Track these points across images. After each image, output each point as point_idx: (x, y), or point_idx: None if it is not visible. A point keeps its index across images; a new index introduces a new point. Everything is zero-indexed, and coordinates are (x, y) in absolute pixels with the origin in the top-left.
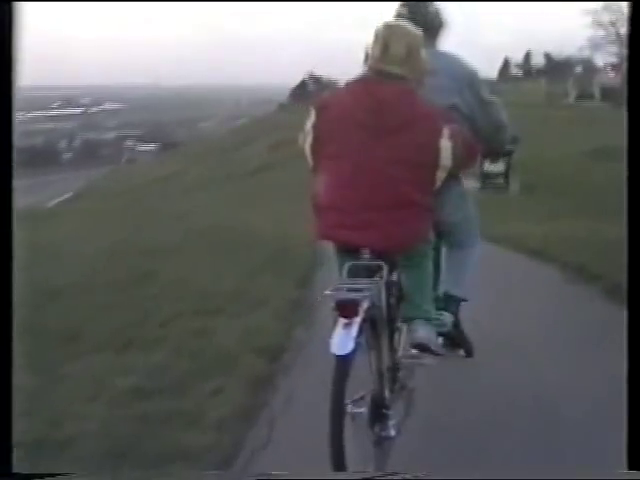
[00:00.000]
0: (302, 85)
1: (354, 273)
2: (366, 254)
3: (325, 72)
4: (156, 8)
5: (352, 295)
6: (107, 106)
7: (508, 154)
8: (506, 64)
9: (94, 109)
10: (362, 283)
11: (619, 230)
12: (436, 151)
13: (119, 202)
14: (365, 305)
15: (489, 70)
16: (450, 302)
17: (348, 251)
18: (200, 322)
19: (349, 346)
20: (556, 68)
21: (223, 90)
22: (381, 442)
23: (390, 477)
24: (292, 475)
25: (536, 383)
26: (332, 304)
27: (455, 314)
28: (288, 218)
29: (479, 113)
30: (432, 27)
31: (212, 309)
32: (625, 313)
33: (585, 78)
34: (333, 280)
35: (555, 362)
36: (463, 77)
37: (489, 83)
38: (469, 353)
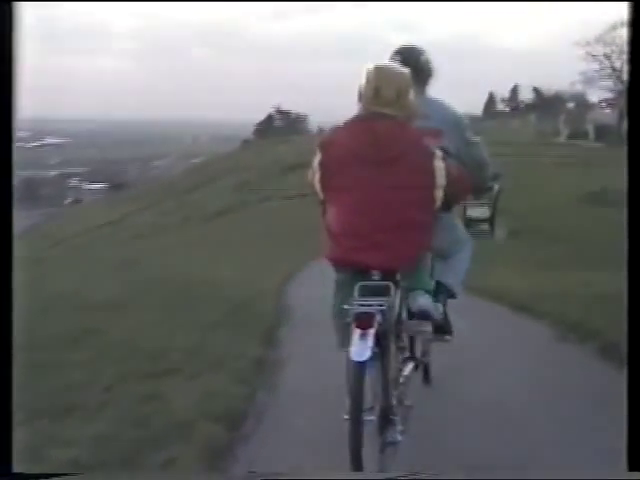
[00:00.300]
0: (268, 120)
1: (365, 292)
2: (376, 275)
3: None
4: (107, 33)
5: (368, 309)
6: (48, 140)
7: (492, 199)
8: (491, 99)
9: (33, 144)
10: (375, 299)
11: (616, 282)
12: (432, 172)
13: (60, 249)
14: (379, 318)
15: (473, 104)
16: (440, 291)
17: (360, 272)
18: (150, 385)
19: (366, 354)
20: (546, 104)
21: (180, 125)
22: (388, 446)
23: (403, 477)
24: (294, 475)
25: (520, 455)
26: (349, 318)
27: (444, 304)
28: (251, 267)
29: (464, 152)
30: (422, 75)
31: (163, 370)
32: (625, 374)
33: (578, 115)
34: (299, 337)
35: (544, 431)
36: (450, 121)
37: (474, 119)
38: (450, 332)
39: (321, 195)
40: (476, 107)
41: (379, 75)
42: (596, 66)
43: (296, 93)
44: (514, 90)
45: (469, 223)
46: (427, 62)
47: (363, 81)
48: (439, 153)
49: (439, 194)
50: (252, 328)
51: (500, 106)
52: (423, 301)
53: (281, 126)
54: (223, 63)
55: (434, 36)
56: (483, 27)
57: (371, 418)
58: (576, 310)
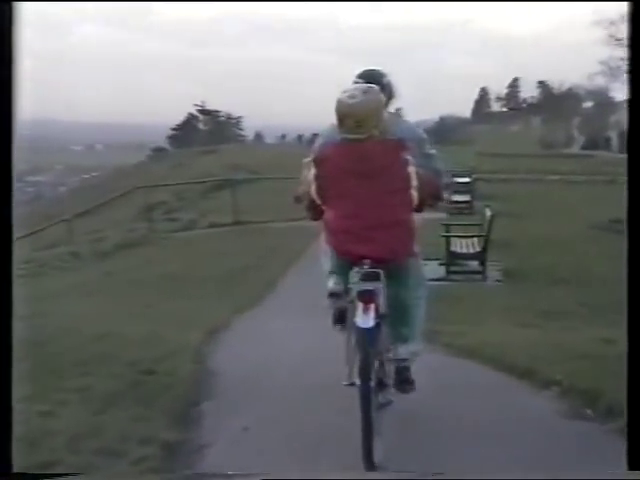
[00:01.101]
0: (188, 123)
1: (361, 277)
2: (367, 264)
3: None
4: None
5: (369, 287)
6: None
7: (484, 229)
8: (483, 97)
9: None
10: (373, 281)
11: None
12: (407, 176)
13: None
14: (378, 294)
15: (460, 103)
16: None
17: (352, 263)
18: None
19: (370, 322)
20: (555, 103)
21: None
22: (383, 407)
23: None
24: (295, 475)
25: None
26: (354, 294)
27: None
28: (163, 320)
29: (422, 164)
30: (385, 96)
31: (39, 464)
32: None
33: (597, 117)
34: (224, 415)
35: None
36: (413, 138)
37: (461, 122)
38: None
39: (319, 202)
40: (464, 107)
41: (340, 107)
42: (622, 53)
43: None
44: (513, 85)
45: (454, 261)
46: (389, 84)
47: (338, 111)
48: (411, 160)
49: (415, 194)
50: (163, 403)
51: (495, 106)
52: (404, 351)
53: (206, 131)
54: (125, 43)
55: (414, 19)
56: (473, 7)
57: (370, 384)
58: (592, 376)
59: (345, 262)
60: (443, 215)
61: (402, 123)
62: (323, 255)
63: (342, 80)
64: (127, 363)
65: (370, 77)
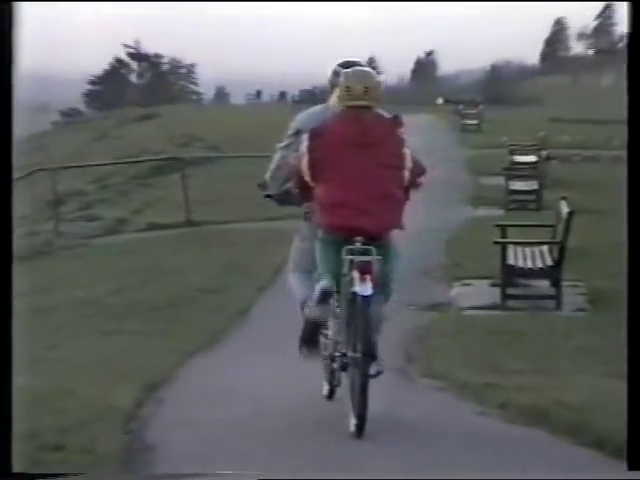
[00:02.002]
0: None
1: (355, 251)
2: (359, 241)
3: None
4: None
5: (367, 258)
6: None
7: (557, 237)
8: (559, 33)
9: None
10: (369, 254)
11: None
12: (402, 156)
13: None
14: (375, 266)
15: (523, 44)
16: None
17: (346, 238)
18: None
19: (369, 290)
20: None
21: None
22: (373, 377)
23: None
24: (293, 475)
25: None
26: (351, 266)
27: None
28: (76, 367)
29: None
30: None
31: None
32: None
33: None
34: None
35: None
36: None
37: (527, 72)
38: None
39: (308, 176)
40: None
41: (350, 75)
42: None
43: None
44: (605, 15)
45: (512, 280)
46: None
47: (347, 78)
48: (406, 142)
49: (406, 175)
50: None
51: (576, 47)
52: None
53: (142, 85)
54: None
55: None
56: None
57: (356, 355)
58: None
59: (335, 244)
60: (497, 212)
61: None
62: (295, 254)
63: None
64: (22, 435)
65: (352, 65)
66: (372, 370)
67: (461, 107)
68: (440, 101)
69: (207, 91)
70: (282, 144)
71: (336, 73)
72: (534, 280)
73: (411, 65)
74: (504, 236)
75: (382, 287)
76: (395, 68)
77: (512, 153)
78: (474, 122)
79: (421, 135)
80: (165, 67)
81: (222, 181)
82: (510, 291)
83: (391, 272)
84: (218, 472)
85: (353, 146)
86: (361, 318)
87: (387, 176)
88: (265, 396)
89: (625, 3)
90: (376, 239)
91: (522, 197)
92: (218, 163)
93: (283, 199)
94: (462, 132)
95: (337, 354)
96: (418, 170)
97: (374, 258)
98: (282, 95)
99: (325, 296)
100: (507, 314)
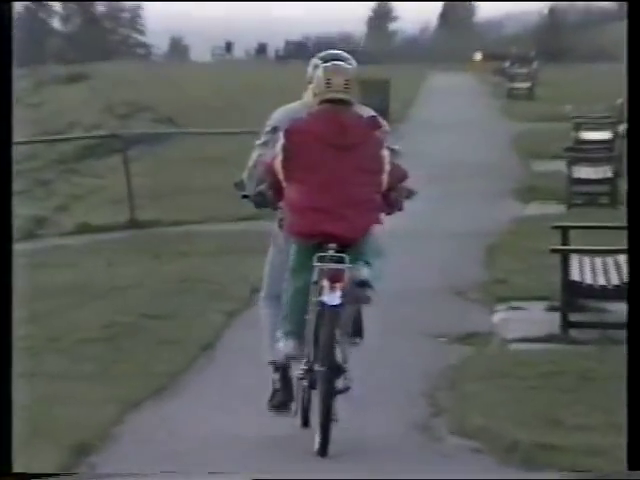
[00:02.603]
0: (24, 13)
1: (325, 258)
2: (332, 248)
3: None
4: None
5: (337, 267)
6: None
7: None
8: None
9: None
10: (340, 261)
11: None
12: (381, 159)
13: None
14: (345, 275)
15: None
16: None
17: (319, 245)
18: None
19: (336, 300)
20: None
21: None
22: (341, 393)
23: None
24: (285, 475)
25: None
26: (321, 275)
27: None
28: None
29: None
30: None
31: None
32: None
33: None
34: None
35: None
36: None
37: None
38: (362, 336)
39: (281, 175)
40: None
41: (329, 68)
42: None
43: None
44: None
45: (577, 302)
46: (352, 67)
47: (327, 72)
48: (385, 143)
49: (385, 178)
50: None
51: None
52: (364, 273)
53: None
54: None
55: None
56: None
57: (321, 369)
58: None
59: (307, 247)
60: (556, 209)
61: (364, 111)
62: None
63: None
64: None
65: (334, 59)
66: (339, 384)
67: (507, 65)
68: (478, 57)
69: (158, 43)
70: (259, 141)
71: (316, 66)
72: (607, 302)
73: (438, 8)
74: (566, 242)
75: (358, 294)
76: (415, 13)
77: (577, 128)
78: (525, 85)
79: (450, 104)
80: (101, 10)
81: (178, 166)
82: (574, 317)
83: (368, 278)
84: (211, 472)
85: (330, 147)
86: (328, 329)
87: (365, 181)
88: (229, 461)
89: None
90: (351, 245)
91: (590, 188)
92: (173, 142)
93: (258, 201)
94: (509, 99)
95: (302, 369)
96: (398, 174)
97: (346, 266)
98: (261, 49)
99: (288, 362)
100: (569, 348)
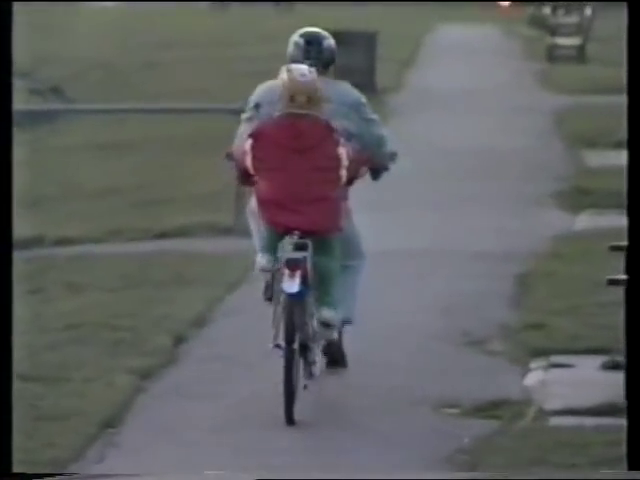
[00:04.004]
0: None
1: (290, 247)
2: (296, 235)
3: None
4: None
5: (296, 255)
6: None
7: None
8: None
9: None
10: (300, 250)
11: None
12: (338, 156)
13: None
14: (305, 262)
15: None
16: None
17: (284, 233)
18: None
19: (295, 287)
20: None
21: None
22: (309, 366)
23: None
24: (291, 475)
25: None
26: (283, 263)
27: (340, 332)
28: None
29: (364, 131)
30: (325, 59)
31: None
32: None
33: None
34: None
35: None
36: (349, 102)
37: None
38: (345, 364)
39: (252, 172)
40: None
41: (293, 84)
42: None
43: None
44: None
45: None
46: (330, 47)
47: (281, 86)
48: (342, 140)
49: (343, 173)
50: None
51: None
52: (329, 315)
53: None
54: None
55: None
56: None
57: (285, 347)
58: None
59: (274, 234)
60: (617, 221)
61: (339, 86)
62: (251, 221)
63: None
64: None
65: (312, 38)
66: (310, 358)
67: (548, 11)
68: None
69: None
70: (245, 116)
71: (296, 44)
72: None
73: None
74: (631, 270)
75: (323, 280)
76: None
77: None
78: (573, 42)
79: (465, 67)
80: None
81: (68, 157)
82: None
83: (331, 266)
84: (212, 472)
85: (290, 151)
86: (288, 313)
87: (321, 178)
88: None
89: None
90: (315, 236)
91: None
92: (60, 121)
93: (240, 180)
94: (550, 61)
95: (270, 345)
96: (361, 162)
97: (304, 255)
98: None
99: (263, 272)
100: None
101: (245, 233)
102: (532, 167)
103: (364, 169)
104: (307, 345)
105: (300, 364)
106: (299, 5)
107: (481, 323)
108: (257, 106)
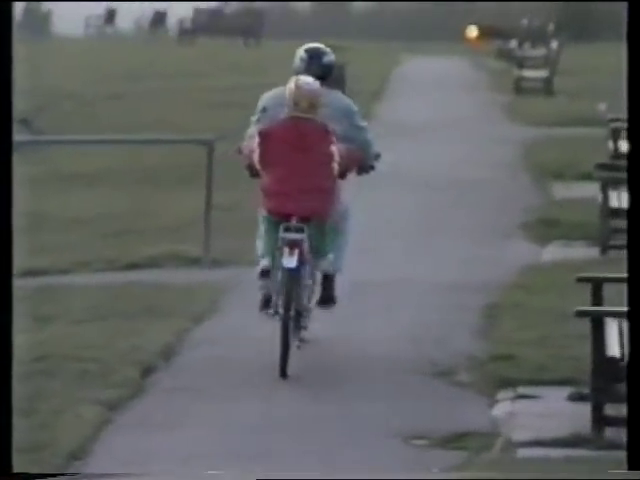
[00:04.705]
0: None
1: (289, 230)
2: (294, 220)
3: None
4: None
5: (295, 236)
6: None
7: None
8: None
9: None
10: (298, 233)
11: None
12: (332, 153)
13: None
14: (302, 243)
15: None
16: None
17: (282, 220)
18: None
19: (294, 263)
20: None
21: None
22: (300, 330)
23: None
24: (291, 476)
25: None
26: (283, 242)
27: (332, 278)
28: None
29: (354, 135)
30: (325, 71)
31: None
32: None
33: None
34: None
35: None
36: (342, 109)
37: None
38: (334, 302)
39: (258, 167)
40: None
41: (298, 92)
42: None
43: None
44: None
45: None
46: (329, 62)
47: (287, 93)
48: (334, 140)
49: (336, 167)
50: None
51: None
52: (326, 265)
53: None
54: None
55: None
56: None
57: (284, 313)
58: None
59: (275, 223)
60: (587, 252)
61: (334, 95)
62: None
63: None
64: None
65: (315, 53)
66: (302, 324)
67: (514, 45)
68: (473, 32)
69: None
70: (254, 118)
71: (301, 58)
72: None
73: None
74: (599, 301)
75: (318, 257)
76: None
77: (615, 136)
78: (540, 74)
79: (433, 99)
80: None
81: (33, 188)
82: (611, 410)
83: (326, 245)
84: (214, 472)
85: (291, 148)
86: (287, 285)
87: (318, 172)
88: None
89: None
90: (309, 220)
91: None
92: (26, 152)
93: (249, 173)
94: (517, 93)
95: (270, 311)
96: (352, 158)
97: (302, 236)
98: (158, 19)
99: (264, 274)
100: (604, 455)
101: (213, 264)
102: (500, 198)
103: (353, 165)
104: (301, 313)
105: (294, 328)
106: (267, 40)
107: (449, 354)
108: (264, 110)
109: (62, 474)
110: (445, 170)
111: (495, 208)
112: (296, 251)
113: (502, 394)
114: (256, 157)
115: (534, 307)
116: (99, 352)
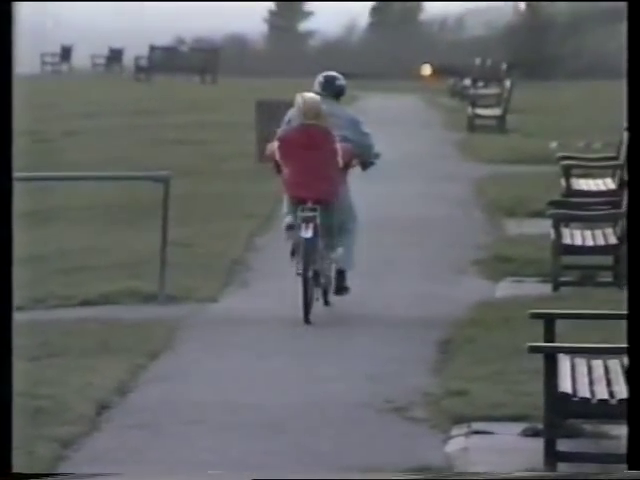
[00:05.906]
0: None
1: (303, 210)
2: (309, 204)
3: None
4: None
5: (309, 214)
6: None
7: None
8: None
9: None
10: (312, 212)
11: None
12: (335, 150)
13: None
14: (315, 219)
15: None
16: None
17: (300, 203)
18: None
19: (310, 234)
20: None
21: None
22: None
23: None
24: (287, 475)
25: None
26: (301, 220)
27: (343, 272)
28: None
29: (361, 140)
30: (337, 92)
31: None
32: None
33: None
34: None
35: None
36: (350, 121)
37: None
38: (348, 291)
39: (280, 162)
40: None
41: (307, 105)
42: None
43: None
44: None
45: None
46: (340, 85)
47: (296, 107)
48: (338, 140)
49: (340, 160)
50: None
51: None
52: (337, 258)
53: None
54: None
55: None
56: None
57: (310, 274)
58: None
59: (294, 204)
60: (540, 289)
61: (344, 109)
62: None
63: None
64: None
65: (330, 78)
66: (321, 286)
67: (467, 83)
68: (427, 70)
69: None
70: (281, 129)
71: (320, 83)
72: (608, 424)
73: (369, 2)
74: (551, 337)
75: (327, 232)
76: (338, 8)
77: (567, 174)
78: (493, 112)
79: (387, 137)
80: None
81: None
82: (563, 446)
83: (334, 223)
84: (211, 472)
85: (303, 148)
86: (305, 251)
87: (325, 165)
88: None
89: None
90: (321, 203)
91: (586, 259)
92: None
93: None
94: (470, 131)
95: (297, 272)
96: (348, 154)
97: (315, 214)
98: (114, 56)
99: (289, 227)
100: None
101: (168, 300)
102: (453, 235)
103: (354, 160)
104: (317, 272)
105: (314, 288)
106: (223, 77)
107: (403, 390)
108: (289, 121)
109: (62, 474)
110: (399, 207)
111: (448, 245)
112: (311, 225)
113: (456, 430)
114: (278, 156)
115: (488, 343)
116: (53, 389)
